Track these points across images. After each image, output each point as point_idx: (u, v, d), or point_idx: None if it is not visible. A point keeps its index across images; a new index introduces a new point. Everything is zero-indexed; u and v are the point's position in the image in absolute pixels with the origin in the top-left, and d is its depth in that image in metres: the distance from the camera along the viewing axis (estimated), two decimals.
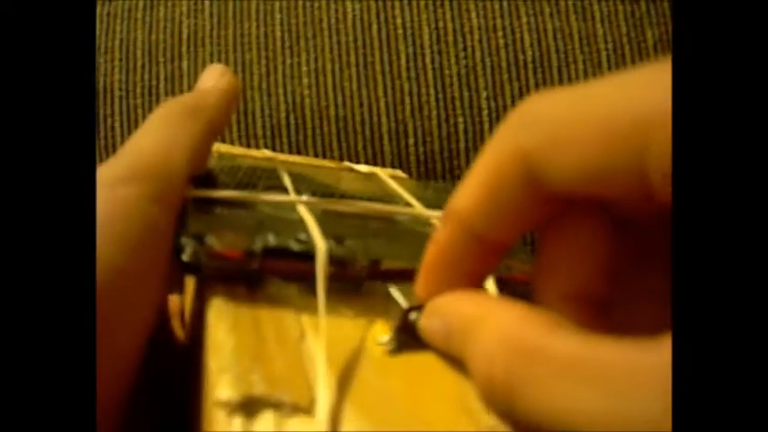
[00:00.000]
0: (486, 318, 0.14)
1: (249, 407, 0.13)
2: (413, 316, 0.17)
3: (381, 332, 0.17)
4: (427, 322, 0.16)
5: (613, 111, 0.13)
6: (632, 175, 0.13)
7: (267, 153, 0.32)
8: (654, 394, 0.10)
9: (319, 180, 0.27)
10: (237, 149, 0.32)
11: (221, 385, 0.14)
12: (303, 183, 0.25)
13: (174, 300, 0.23)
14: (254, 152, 0.32)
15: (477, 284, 0.17)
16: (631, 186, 0.13)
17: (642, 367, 0.11)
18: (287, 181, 0.24)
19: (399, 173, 0.37)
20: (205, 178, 0.22)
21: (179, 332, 0.22)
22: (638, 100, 0.12)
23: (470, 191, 0.16)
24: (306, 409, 0.14)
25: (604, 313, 0.16)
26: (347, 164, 0.34)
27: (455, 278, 0.16)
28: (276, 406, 0.14)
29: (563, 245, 0.16)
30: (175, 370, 0.21)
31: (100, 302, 0.15)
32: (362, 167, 0.33)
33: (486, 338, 0.14)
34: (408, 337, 0.17)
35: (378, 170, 0.32)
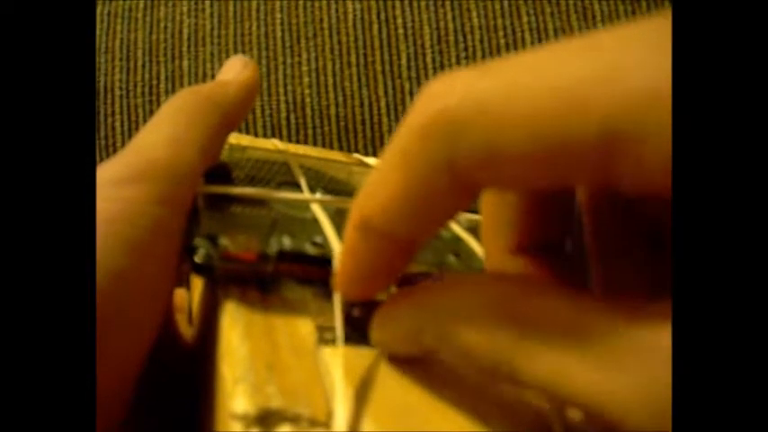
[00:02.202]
0: (469, 293, 0.14)
1: (266, 420, 0.13)
2: (355, 312, 0.17)
3: None
4: (382, 332, 0.16)
5: (571, 87, 0.11)
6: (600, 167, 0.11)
7: (277, 143, 0.31)
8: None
9: (331, 176, 0.26)
10: (246, 139, 0.31)
11: (237, 397, 0.14)
12: (316, 179, 0.25)
13: (180, 294, 0.22)
14: (263, 142, 0.32)
15: (394, 278, 0.16)
16: (594, 170, 0.11)
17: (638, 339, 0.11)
18: (300, 177, 0.24)
19: None
20: (218, 171, 0.22)
21: (185, 328, 0.22)
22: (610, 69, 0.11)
23: (382, 195, 0.14)
24: (323, 423, 0.14)
25: (561, 259, 0.16)
26: (357, 156, 0.34)
27: (374, 279, 0.16)
28: (293, 420, 0.13)
29: (496, 202, 0.16)
30: (180, 367, 0.20)
31: (101, 307, 0.15)
32: (373, 161, 0.32)
33: (476, 308, 0.13)
34: (351, 331, 0.16)
35: None
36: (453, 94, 0.12)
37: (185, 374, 0.20)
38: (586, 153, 0.11)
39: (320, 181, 0.24)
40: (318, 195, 0.22)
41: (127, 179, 0.17)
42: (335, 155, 0.34)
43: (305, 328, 0.16)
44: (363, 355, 0.16)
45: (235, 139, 0.29)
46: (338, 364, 0.15)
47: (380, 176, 0.14)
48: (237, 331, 0.15)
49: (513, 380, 0.13)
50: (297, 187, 0.23)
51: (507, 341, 0.13)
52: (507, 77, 0.12)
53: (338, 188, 0.24)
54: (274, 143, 0.31)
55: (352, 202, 0.22)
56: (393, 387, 0.15)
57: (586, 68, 0.11)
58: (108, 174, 0.17)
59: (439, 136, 0.13)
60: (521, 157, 0.12)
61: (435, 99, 0.13)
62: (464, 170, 0.12)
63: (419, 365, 0.16)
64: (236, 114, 0.22)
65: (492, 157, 0.12)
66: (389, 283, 0.16)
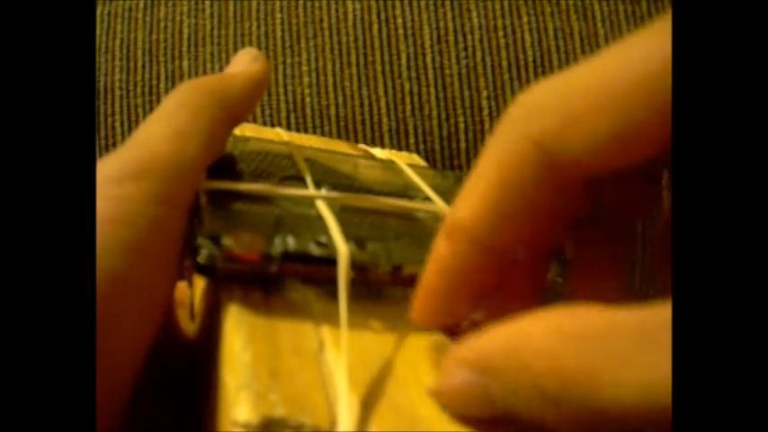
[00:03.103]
0: (527, 330, 0.13)
1: (269, 429, 0.13)
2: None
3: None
4: (451, 380, 0.14)
5: (613, 75, 0.13)
6: (645, 133, 0.13)
7: (281, 133, 0.31)
8: None
9: (337, 169, 0.26)
10: (249, 129, 0.29)
11: (240, 405, 0.13)
12: (321, 173, 0.24)
13: (182, 288, 0.22)
14: (267, 132, 0.31)
15: (478, 301, 0.16)
16: (648, 144, 0.13)
17: None
18: (305, 171, 0.23)
19: (416, 158, 0.35)
20: (222, 163, 0.21)
21: (186, 323, 0.21)
22: (633, 58, 0.13)
23: (476, 197, 0.15)
24: (327, 431, 0.13)
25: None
26: (363, 147, 0.33)
27: (458, 297, 0.15)
28: (296, 429, 0.13)
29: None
30: (181, 364, 0.20)
31: (100, 311, 0.14)
32: (379, 152, 0.31)
33: (538, 342, 0.13)
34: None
35: (395, 156, 0.30)
36: (533, 87, 0.15)
37: (186, 372, 0.20)
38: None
39: (326, 175, 0.24)
40: (324, 192, 0.21)
41: (127, 176, 0.17)
42: (341, 146, 0.33)
43: (308, 330, 0.16)
44: (368, 360, 0.16)
45: (238, 129, 0.28)
46: (342, 371, 0.15)
47: (473, 177, 0.15)
48: (240, 336, 0.15)
49: (584, 407, 0.12)
50: (301, 181, 0.22)
51: (586, 359, 0.12)
52: (570, 76, 0.14)
53: (344, 182, 0.23)
54: (278, 132, 0.31)
55: (357, 198, 0.22)
56: (397, 393, 0.15)
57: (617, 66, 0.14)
58: (108, 170, 0.17)
59: (521, 112, 0.15)
60: (588, 124, 0.14)
61: (521, 95, 0.15)
62: (543, 140, 0.14)
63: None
64: (242, 108, 0.21)
65: (564, 122, 0.14)
66: (472, 306, 0.16)
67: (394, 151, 0.34)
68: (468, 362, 0.14)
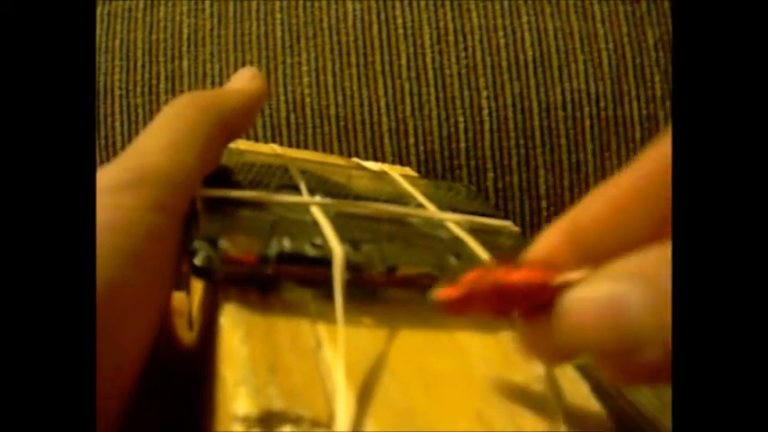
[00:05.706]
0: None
1: (268, 422, 0.13)
2: None
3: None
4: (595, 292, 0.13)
5: None
6: None
7: (276, 148, 0.31)
8: None
9: (331, 179, 0.26)
10: (244, 144, 0.30)
11: (239, 399, 0.14)
12: (315, 182, 0.24)
13: (180, 297, 0.22)
14: (261, 147, 0.31)
15: None
16: None
17: None
18: (300, 180, 0.24)
19: (408, 170, 0.36)
20: (218, 174, 0.21)
21: (184, 332, 0.22)
22: None
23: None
24: (325, 424, 0.14)
25: None
26: (356, 160, 0.34)
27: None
28: (295, 421, 0.13)
29: None
30: (179, 371, 0.20)
31: (99, 317, 0.14)
32: (372, 165, 0.32)
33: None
34: None
35: (388, 168, 0.31)
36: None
37: (184, 379, 0.20)
38: None
39: (320, 184, 0.24)
40: (318, 198, 0.21)
41: (125, 185, 0.17)
42: (334, 159, 0.34)
43: (305, 328, 0.16)
44: (365, 357, 0.16)
45: (233, 143, 0.29)
46: (339, 366, 0.15)
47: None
48: (238, 333, 0.15)
49: None
50: (296, 190, 0.22)
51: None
52: None
53: (338, 192, 0.24)
54: (273, 148, 0.31)
55: (351, 205, 0.22)
56: (395, 388, 0.15)
57: None
58: (106, 179, 0.17)
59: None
60: None
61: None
62: None
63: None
64: (238, 123, 0.22)
65: None
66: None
67: (387, 164, 0.34)
68: (628, 272, 0.13)
